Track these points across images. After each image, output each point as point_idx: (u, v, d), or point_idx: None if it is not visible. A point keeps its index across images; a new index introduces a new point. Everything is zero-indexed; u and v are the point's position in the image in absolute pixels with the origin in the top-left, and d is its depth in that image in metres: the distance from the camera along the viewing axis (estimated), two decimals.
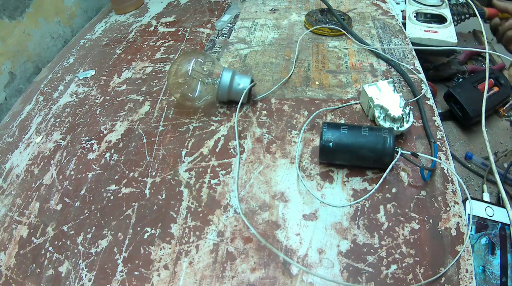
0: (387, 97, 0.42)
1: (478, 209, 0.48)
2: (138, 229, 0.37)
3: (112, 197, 0.40)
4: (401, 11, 0.85)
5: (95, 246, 0.36)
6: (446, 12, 0.74)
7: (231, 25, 0.68)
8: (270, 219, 0.36)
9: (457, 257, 0.31)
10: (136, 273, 0.34)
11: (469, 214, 0.47)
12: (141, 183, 0.41)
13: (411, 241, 0.33)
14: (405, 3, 0.85)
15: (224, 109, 0.49)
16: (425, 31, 0.73)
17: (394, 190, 0.37)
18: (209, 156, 0.43)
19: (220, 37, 0.65)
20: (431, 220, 0.34)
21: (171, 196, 0.39)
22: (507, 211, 0.31)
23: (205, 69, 0.46)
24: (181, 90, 0.46)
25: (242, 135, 0.45)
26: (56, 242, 0.37)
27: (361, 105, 0.47)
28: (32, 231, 0.39)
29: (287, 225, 0.35)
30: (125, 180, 0.42)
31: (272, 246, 0.33)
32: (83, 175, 0.43)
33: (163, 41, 0.66)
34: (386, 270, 0.31)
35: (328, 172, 0.39)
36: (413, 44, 0.59)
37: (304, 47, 0.59)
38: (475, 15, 0.75)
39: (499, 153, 0.63)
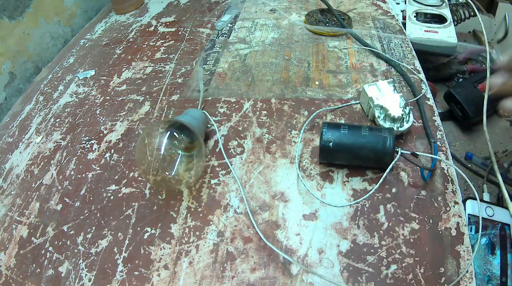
0: (387, 97, 0.42)
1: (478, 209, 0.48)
2: (138, 229, 0.37)
3: (112, 197, 0.40)
4: (401, 11, 0.85)
5: (95, 246, 0.36)
6: (446, 12, 0.75)
7: (231, 25, 0.68)
8: (270, 219, 0.36)
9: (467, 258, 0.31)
10: (136, 273, 0.34)
11: (469, 215, 0.47)
12: (141, 183, 0.41)
13: (411, 241, 0.33)
14: (405, 3, 0.86)
15: (224, 109, 0.49)
16: (425, 31, 0.73)
17: (394, 190, 0.37)
18: (209, 156, 0.43)
19: (220, 37, 0.65)
20: (431, 220, 0.34)
21: (171, 196, 0.39)
22: (508, 208, 0.31)
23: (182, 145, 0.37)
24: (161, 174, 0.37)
25: (242, 135, 0.45)
26: (56, 242, 0.37)
27: (361, 105, 0.47)
28: (32, 231, 0.39)
29: (287, 225, 0.35)
30: (125, 180, 0.42)
31: (272, 245, 0.33)
32: (83, 175, 0.43)
33: (163, 41, 0.66)
34: (386, 270, 0.31)
35: (328, 172, 0.39)
36: (413, 44, 0.59)
37: (304, 47, 0.59)
38: (475, 15, 0.75)
39: (499, 153, 0.63)
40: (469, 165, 0.63)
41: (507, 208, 0.33)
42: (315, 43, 0.60)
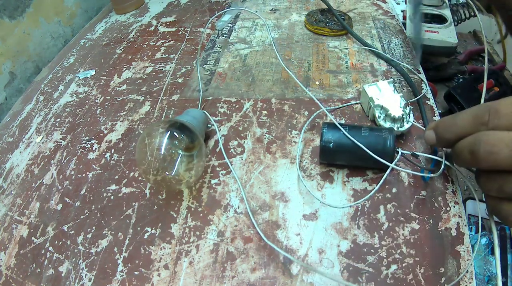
0: (387, 97, 0.42)
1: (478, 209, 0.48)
2: (138, 228, 0.37)
3: (112, 197, 0.40)
4: (401, 11, 0.85)
5: (95, 246, 0.36)
6: (446, 12, 0.74)
7: (231, 25, 0.68)
8: (270, 219, 0.36)
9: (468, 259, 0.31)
10: (136, 273, 0.34)
11: (469, 215, 0.47)
12: (141, 183, 0.41)
13: (411, 241, 0.33)
14: (405, 3, 0.86)
15: (224, 109, 0.49)
16: (425, 31, 0.73)
17: (394, 190, 0.37)
18: (209, 156, 0.43)
19: (220, 37, 0.65)
20: (431, 220, 0.34)
21: (171, 196, 0.39)
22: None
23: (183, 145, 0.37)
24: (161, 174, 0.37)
25: (242, 135, 0.45)
26: (56, 242, 0.37)
27: (361, 105, 0.47)
28: (32, 230, 0.39)
29: (287, 225, 0.35)
30: (125, 180, 0.42)
31: (272, 244, 0.32)
32: (83, 175, 0.43)
33: (163, 41, 0.66)
34: (386, 270, 0.31)
35: (328, 172, 0.39)
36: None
37: (305, 47, 0.59)
38: (475, 15, 0.75)
39: None
40: None
41: None
42: (315, 43, 0.60)
